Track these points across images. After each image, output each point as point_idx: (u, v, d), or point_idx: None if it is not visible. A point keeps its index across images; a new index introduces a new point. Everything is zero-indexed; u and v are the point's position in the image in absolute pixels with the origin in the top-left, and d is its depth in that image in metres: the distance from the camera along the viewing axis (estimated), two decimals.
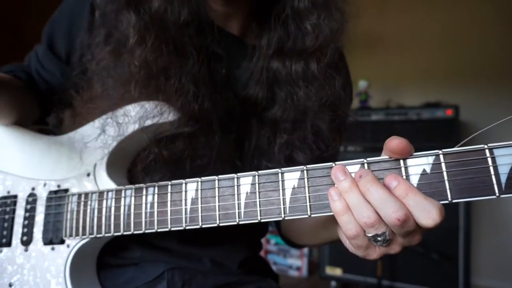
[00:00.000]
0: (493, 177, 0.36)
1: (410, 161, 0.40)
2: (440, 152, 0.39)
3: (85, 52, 0.62)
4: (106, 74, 0.57)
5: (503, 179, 0.36)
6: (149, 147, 0.56)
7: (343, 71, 0.63)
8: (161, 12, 0.55)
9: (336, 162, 0.43)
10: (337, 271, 2.30)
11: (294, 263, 2.85)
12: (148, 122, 0.55)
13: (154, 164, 0.55)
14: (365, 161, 0.42)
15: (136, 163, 0.59)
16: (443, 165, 0.38)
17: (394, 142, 0.39)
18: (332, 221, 0.53)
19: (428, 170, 0.39)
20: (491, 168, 0.36)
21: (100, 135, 0.57)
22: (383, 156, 0.42)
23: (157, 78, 0.54)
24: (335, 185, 0.42)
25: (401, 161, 0.40)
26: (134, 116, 0.56)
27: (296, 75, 0.61)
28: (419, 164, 0.39)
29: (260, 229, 0.80)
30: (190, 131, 0.55)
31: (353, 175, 0.41)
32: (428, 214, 0.36)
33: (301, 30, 0.61)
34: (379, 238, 0.40)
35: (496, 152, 0.36)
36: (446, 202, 0.38)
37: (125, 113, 0.56)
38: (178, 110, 0.55)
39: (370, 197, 0.39)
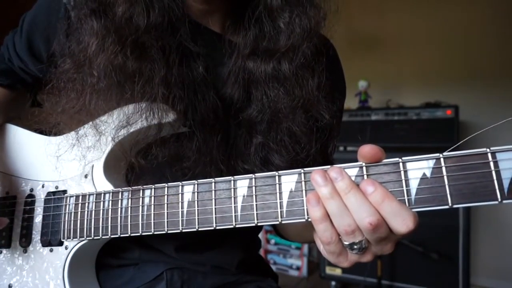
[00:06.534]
0: (496, 182, 0.35)
1: (409, 165, 0.39)
2: (441, 155, 0.37)
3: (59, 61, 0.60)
4: (70, 87, 0.54)
5: (506, 184, 0.34)
6: (126, 157, 0.55)
7: (321, 68, 0.60)
8: (126, 18, 0.52)
9: (334, 165, 0.42)
10: (337, 271, 2.30)
11: (294, 263, 2.84)
12: (122, 132, 0.54)
13: (136, 172, 0.54)
14: (363, 164, 0.41)
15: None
16: (443, 169, 0.37)
17: (366, 149, 0.40)
18: None
19: (428, 174, 0.38)
20: (494, 173, 0.35)
21: (74, 145, 0.57)
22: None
23: (121, 86, 0.52)
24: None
25: (401, 165, 0.39)
26: (114, 123, 0.54)
27: (267, 76, 0.59)
28: (419, 168, 0.38)
29: (255, 227, 0.79)
30: (164, 136, 0.54)
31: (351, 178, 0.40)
32: (403, 221, 0.37)
33: (275, 29, 0.59)
34: (355, 246, 0.40)
35: (499, 156, 0.35)
36: (446, 207, 0.37)
37: (105, 121, 0.55)
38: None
39: (347, 201, 0.39)
